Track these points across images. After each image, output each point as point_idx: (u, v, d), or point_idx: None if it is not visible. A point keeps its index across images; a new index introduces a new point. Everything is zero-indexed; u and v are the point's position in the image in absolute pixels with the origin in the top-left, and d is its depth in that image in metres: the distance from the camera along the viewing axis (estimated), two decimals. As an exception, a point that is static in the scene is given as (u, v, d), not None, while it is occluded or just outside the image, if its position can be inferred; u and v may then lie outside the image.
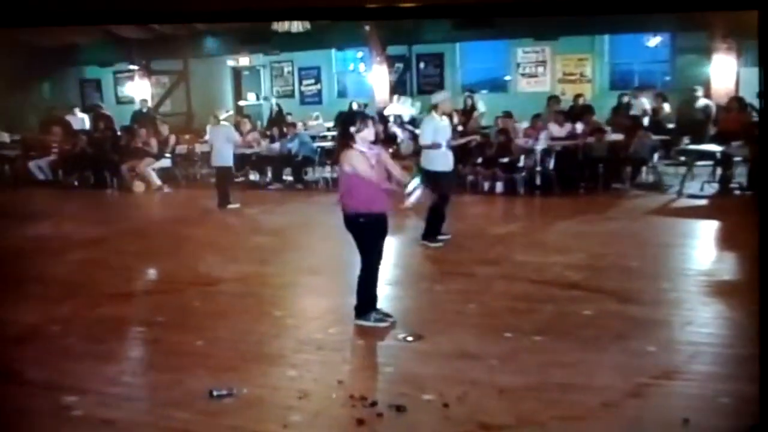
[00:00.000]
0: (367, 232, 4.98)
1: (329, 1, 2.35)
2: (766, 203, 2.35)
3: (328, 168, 11.94)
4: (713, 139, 10.50)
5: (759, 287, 2.35)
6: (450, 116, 7.85)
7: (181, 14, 2.65)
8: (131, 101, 17.05)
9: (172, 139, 12.97)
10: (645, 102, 12.34)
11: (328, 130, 14.14)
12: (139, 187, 12.22)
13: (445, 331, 4.93)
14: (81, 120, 15.43)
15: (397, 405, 3.80)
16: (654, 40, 14.65)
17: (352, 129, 4.96)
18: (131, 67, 17.28)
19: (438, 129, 7.41)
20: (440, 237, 7.47)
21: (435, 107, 7.61)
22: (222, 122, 10.96)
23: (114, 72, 18.65)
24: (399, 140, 11.78)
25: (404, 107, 14.28)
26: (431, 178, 7.50)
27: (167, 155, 12.70)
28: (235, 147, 10.84)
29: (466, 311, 5.39)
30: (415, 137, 11.72)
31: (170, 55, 17.00)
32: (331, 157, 11.78)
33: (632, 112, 12.06)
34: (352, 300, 5.10)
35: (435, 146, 7.35)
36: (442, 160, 7.40)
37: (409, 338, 4.83)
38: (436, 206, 7.41)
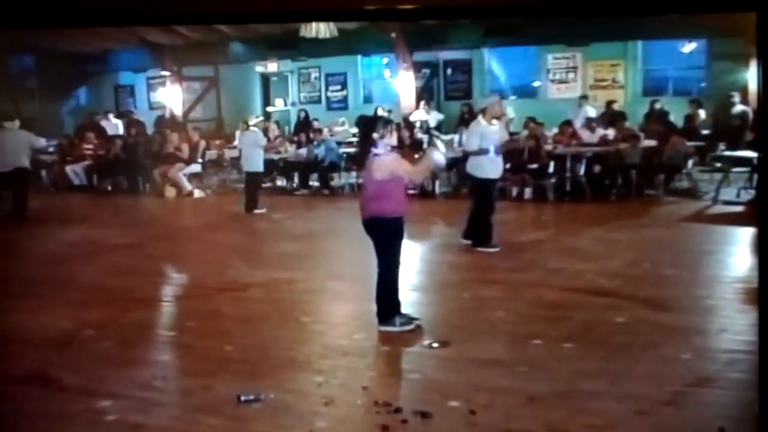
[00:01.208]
0: (388, 236, 4.97)
1: (328, 3, 2.33)
2: (766, 207, 2.28)
3: (354, 174, 11.97)
4: (750, 145, 10.28)
5: (759, 289, 2.28)
6: (499, 119, 7.57)
7: (181, 16, 2.66)
8: (164, 107, 17.30)
9: (202, 144, 13.11)
10: (589, 110, 12.21)
11: (354, 135, 14.18)
12: (170, 192, 12.37)
13: (473, 338, 4.87)
14: (115, 125, 15.71)
15: (422, 411, 3.75)
16: (689, 46, 14.42)
17: (375, 135, 4.96)
18: (163, 73, 17.55)
19: (485, 134, 7.25)
20: (493, 244, 7.37)
21: (483, 111, 7.46)
22: (251, 128, 11.07)
23: (147, 78, 18.96)
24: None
25: (431, 115, 14.32)
26: (477, 185, 7.43)
27: (198, 161, 12.84)
28: (264, 152, 10.93)
29: (495, 318, 5.32)
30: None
31: (201, 61, 17.25)
32: (357, 162, 11.84)
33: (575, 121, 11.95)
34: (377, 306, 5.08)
35: (482, 152, 7.23)
36: (490, 167, 7.28)
37: (435, 345, 4.78)
38: (480, 214, 7.33)
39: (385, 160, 4.95)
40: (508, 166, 10.49)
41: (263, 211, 10.37)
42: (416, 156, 10.94)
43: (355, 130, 14.47)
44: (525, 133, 11.23)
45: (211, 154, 13.46)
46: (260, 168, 10.66)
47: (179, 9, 2.21)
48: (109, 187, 13.27)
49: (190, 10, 2.26)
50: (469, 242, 7.41)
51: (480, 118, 7.45)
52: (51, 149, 14.11)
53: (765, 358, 2.31)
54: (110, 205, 12.40)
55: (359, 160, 5.24)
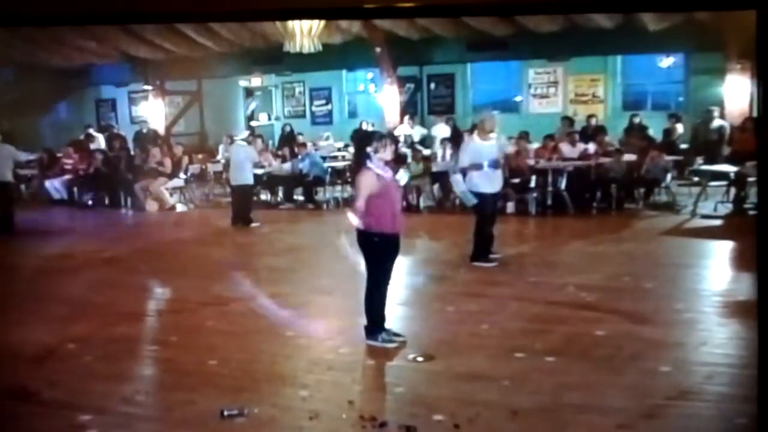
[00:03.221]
0: (377, 251, 4.98)
1: (327, 1, 2.34)
2: (766, 213, 2.33)
3: (338, 188, 12.00)
4: (727, 159, 10.46)
5: (758, 297, 2.33)
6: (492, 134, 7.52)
7: (168, 15, 2.65)
8: (145, 121, 17.25)
9: (185, 159, 13.04)
10: (441, 129, 12.43)
11: (339, 150, 14.22)
12: (152, 206, 12.30)
13: (457, 352, 4.90)
14: (96, 140, 15.60)
15: (407, 425, 3.77)
16: (667, 61, 14.67)
17: (369, 149, 4.99)
18: (145, 87, 17.49)
19: (477, 150, 7.26)
20: (491, 257, 7.39)
21: (475, 127, 7.52)
22: (239, 142, 11.06)
23: (129, 92, 18.89)
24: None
25: (414, 129, 14.42)
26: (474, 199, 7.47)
27: (181, 176, 12.78)
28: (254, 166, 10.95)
29: (479, 332, 5.35)
30: (423, 157, 11.80)
31: (184, 75, 17.21)
32: (342, 176, 11.87)
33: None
34: (363, 320, 5.09)
35: (475, 167, 7.24)
36: (485, 181, 7.27)
37: (420, 359, 4.81)
38: (481, 227, 7.36)
39: (358, 176, 5.01)
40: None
41: (258, 224, 10.35)
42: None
43: (339, 144, 14.56)
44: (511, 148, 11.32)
45: (195, 168, 13.41)
46: (251, 181, 10.65)
47: (172, 8, 2.21)
48: (90, 202, 13.16)
49: (187, 9, 2.25)
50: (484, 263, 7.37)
51: (474, 134, 7.48)
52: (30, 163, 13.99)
53: (765, 372, 2.34)
54: (92, 219, 12.30)
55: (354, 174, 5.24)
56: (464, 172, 7.39)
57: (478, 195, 7.32)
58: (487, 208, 7.42)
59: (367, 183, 4.91)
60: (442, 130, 14.18)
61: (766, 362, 2.30)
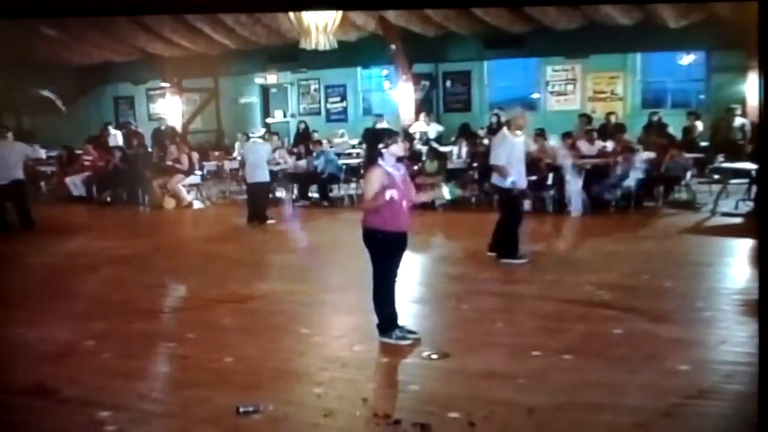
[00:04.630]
0: (383, 250, 4.95)
1: None
2: (766, 217, 2.29)
3: (353, 185, 11.99)
4: (749, 157, 10.32)
5: (759, 300, 2.30)
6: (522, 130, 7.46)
7: (172, 6, 2.65)
8: (163, 118, 17.38)
9: (195, 155, 13.04)
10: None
11: (353, 147, 14.23)
12: (169, 203, 12.37)
13: (472, 350, 4.87)
14: (114, 137, 15.73)
15: (422, 423, 3.75)
16: (687, 58, 14.50)
17: (380, 145, 4.96)
18: (163, 84, 17.60)
19: (512, 146, 7.19)
20: (520, 256, 7.34)
21: (508, 123, 7.45)
22: (255, 139, 11.09)
23: (147, 89, 19.03)
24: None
25: (430, 126, 14.39)
26: (504, 196, 7.41)
27: (197, 173, 12.83)
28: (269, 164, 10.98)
29: (494, 330, 5.33)
30: (438, 155, 11.75)
31: (201, 72, 17.31)
32: (356, 174, 11.89)
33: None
34: (376, 318, 5.08)
35: (507, 165, 7.14)
36: (518, 177, 7.20)
37: (434, 356, 4.78)
38: (515, 224, 7.32)
39: (367, 173, 4.99)
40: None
41: (273, 222, 10.37)
42: (415, 167, 11.04)
43: (354, 141, 14.57)
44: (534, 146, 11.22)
45: (211, 165, 13.46)
46: (267, 178, 10.67)
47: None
48: (108, 199, 13.28)
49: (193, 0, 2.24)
50: (494, 255, 7.34)
51: (505, 130, 7.39)
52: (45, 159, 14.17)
53: (765, 368, 2.31)
54: (110, 216, 12.40)
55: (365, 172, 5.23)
56: (493, 169, 7.34)
57: (512, 191, 7.24)
58: (519, 204, 7.40)
59: (375, 180, 4.88)
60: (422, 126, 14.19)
61: (767, 361, 2.27)
